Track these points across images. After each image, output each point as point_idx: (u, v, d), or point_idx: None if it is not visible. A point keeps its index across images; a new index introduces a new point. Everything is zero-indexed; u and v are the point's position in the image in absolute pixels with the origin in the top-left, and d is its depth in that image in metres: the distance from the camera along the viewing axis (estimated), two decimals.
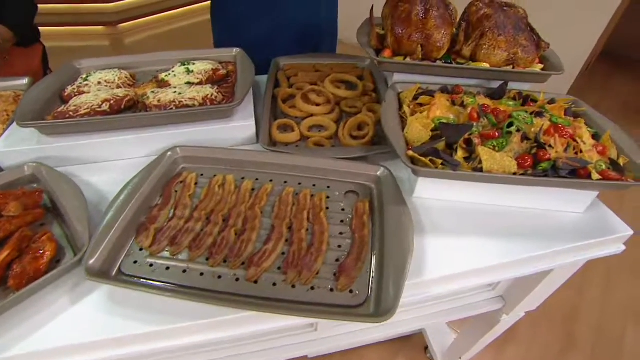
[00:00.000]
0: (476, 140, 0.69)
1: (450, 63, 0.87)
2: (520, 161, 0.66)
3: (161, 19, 3.64)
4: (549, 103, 0.84)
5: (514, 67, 0.87)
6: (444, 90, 0.86)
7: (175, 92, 0.81)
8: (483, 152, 0.65)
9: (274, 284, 0.56)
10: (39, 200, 0.66)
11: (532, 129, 0.72)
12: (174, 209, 0.67)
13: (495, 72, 0.85)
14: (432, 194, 0.72)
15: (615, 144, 0.73)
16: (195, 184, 0.73)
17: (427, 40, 0.84)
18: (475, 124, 0.73)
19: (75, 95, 0.82)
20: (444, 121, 0.73)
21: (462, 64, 0.87)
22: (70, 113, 0.75)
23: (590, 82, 3.05)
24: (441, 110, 0.76)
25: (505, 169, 0.64)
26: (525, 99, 0.84)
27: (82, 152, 0.76)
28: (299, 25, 1.24)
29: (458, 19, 0.90)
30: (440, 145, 0.69)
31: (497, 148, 0.68)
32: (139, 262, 0.59)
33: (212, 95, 0.81)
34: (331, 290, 0.56)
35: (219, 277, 0.57)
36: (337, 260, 0.60)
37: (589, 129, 0.78)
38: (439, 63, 0.88)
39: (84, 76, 0.87)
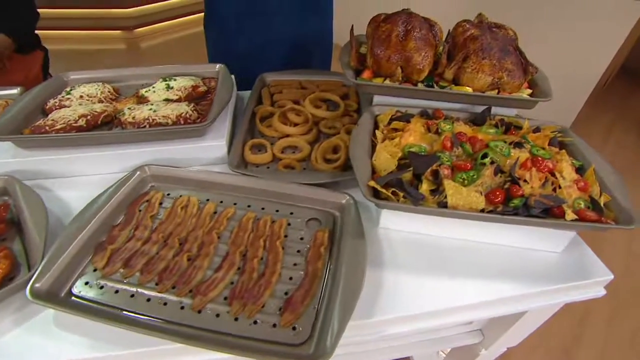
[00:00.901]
0: (446, 172, 0.66)
1: (432, 86, 0.84)
2: (491, 196, 0.63)
3: (176, 24, 3.73)
4: (534, 131, 0.80)
5: (499, 92, 0.83)
6: (424, 114, 0.83)
7: (150, 109, 0.81)
8: (449, 185, 0.62)
9: (217, 315, 0.55)
10: (4, 214, 0.67)
11: (508, 161, 0.68)
12: (134, 230, 0.67)
13: (477, 97, 0.81)
14: (398, 225, 0.69)
15: (600, 180, 0.69)
16: (160, 203, 0.73)
17: (406, 62, 0.81)
18: (448, 153, 0.70)
19: (57, 109, 0.84)
20: (414, 150, 0.70)
21: (444, 87, 0.84)
22: (47, 127, 0.77)
23: (606, 100, 2.91)
24: (414, 137, 0.74)
25: (471, 205, 0.61)
26: (508, 127, 0.80)
27: (56, 167, 0.77)
28: (291, 37, 1.23)
29: (443, 40, 0.87)
30: (407, 175, 0.66)
31: (466, 181, 0.64)
32: (90, 283, 0.59)
33: (186, 114, 0.81)
34: (274, 326, 0.54)
35: (165, 304, 0.57)
36: (286, 293, 0.58)
37: (574, 161, 0.73)
38: (420, 86, 0.85)
39: (68, 89, 0.89)
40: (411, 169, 0.66)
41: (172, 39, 3.54)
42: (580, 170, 0.73)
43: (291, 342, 0.52)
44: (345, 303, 0.53)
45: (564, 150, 0.74)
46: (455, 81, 0.85)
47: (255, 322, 0.54)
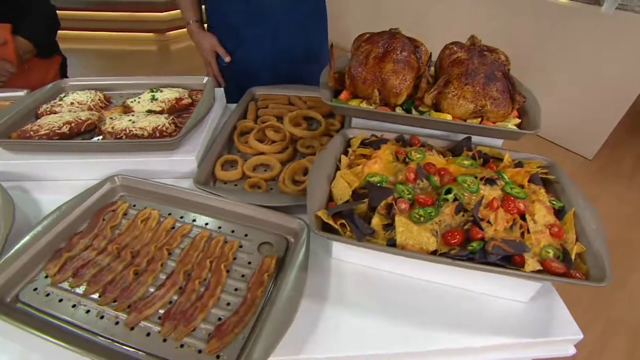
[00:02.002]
0: (403, 206, 0.62)
1: (410, 111, 0.81)
2: (448, 237, 0.58)
3: None
4: (516, 165, 0.74)
5: (482, 121, 0.78)
6: (400, 140, 0.80)
7: (130, 120, 0.84)
8: (399, 222, 0.58)
9: (148, 334, 0.55)
10: None
11: (474, 199, 0.64)
12: (93, 239, 0.69)
13: (456, 125, 0.77)
14: (349, 257, 0.66)
15: (579, 227, 0.63)
16: (125, 214, 0.74)
17: (383, 85, 0.78)
18: (411, 185, 0.67)
19: (47, 114, 0.89)
20: (375, 179, 0.67)
21: (423, 112, 0.80)
22: (31, 132, 0.81)
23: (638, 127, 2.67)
24: (380, 165, 0.71)
25: (421, 245, 0.57)
26: (486, 159, 0.75)
27: (36, 170, 0.81)
28: (292, 48, 1.24)
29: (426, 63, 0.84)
30: (362, 207, 0.64)
31: (423, 218, 0.61)
32: (38, 290, 0.61)
33: (163, 126, 0.83)
34: (199, 352, 0.53)
35: (102, 317, 0.58)
36: (220, 319, 0.57)
37: (555, 202, 0.67)
38: (398, 110, 0.82)
39: (62, 95, 0.94)
40: (366, 200, 0.63)
41: None
42: (560, 212, 0.67)
43: None
44: (271, 337, 0.52)
45: (542, 190, 0.68)
46: (437, 107, 0.81)
47: (182, 346, 0.54)
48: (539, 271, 0.55)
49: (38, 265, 0.64)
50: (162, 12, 3.51)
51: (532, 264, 0.55)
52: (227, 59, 1.22)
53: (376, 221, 0.60)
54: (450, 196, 0.64)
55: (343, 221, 0.61)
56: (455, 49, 0.83)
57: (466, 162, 0.72)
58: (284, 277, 0.60)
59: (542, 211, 0.63)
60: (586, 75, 2.43)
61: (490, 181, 0.67)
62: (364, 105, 0.81)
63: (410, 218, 0.61)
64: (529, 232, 0.60)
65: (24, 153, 0.81)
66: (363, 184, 0.67)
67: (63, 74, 1.40)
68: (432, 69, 0.91)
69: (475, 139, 0.80)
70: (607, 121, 2.41)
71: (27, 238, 0.65)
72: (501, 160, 0.76)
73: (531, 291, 0.61)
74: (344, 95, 0.84)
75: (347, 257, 0.66)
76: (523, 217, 0.62)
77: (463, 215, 0.62)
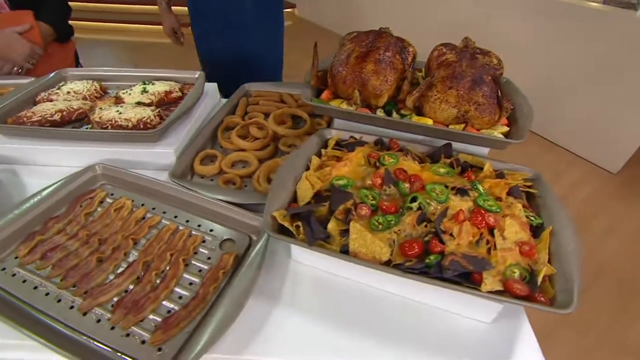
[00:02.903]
0: (364, 211, 0.61)
1: (391, 114, 0.78)
2: (405, 248, 0.56)
3: None
4: (498, 176, 0.70)
5: (465, 127, 0.75)
6: (378, 143, 0.78)
7: (117, 111, 0.86)
8: (354, 229, 0.56)
9: (98, 321, 0.57)
10: None
11: (440, 209, 0.61)
12: (67, 224, 0.72)
13: (435, 130, 0.74)
14: (308, 260, 0.65)
15: (555, 247, 0.59)
16: (101, 202, 0.77)
17: (363, 86, 0.76)
18: (378, 191, 0.65)
19: (44, 101, 0.93)
20: (341, 183, 0.65)
21: (404, 115, 0.78)
22: (25, 119, 0.85)
23: None
24: (350, 168, 0.69)
25: (374, 254, 0.55)
26: (465, 168, 0.71)
27: (26, 155, 0.85)
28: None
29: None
30: (323, 210, 0.62)
31: (381, 226, 0.58)
32: (6, 270, 0.64)
33: (147, 118, 0.85)
34: (142, 342, 0.54)
35: (59, 300, 0.59)
36: (169, 312, 0.58)
37: (533, 217, 0.63)
38: (379, 113, 0.79)
39: (61, 84, 0.98)
40: (327, 204, 0.62)
41: None
42: (539, 229, 0.63)
43: None
44: (213, 334, 0.52)
45: (519, 204, 0.64)
46: (420, 110, 0.78)
47: (127, 335, 0.55)
48: (499, 292, 0.52)
49: (11, 246, 0.67)
50: (184, 6, 3.59)
51: (490, 283, 0.52)
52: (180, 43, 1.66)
53: (332, 226, 0.59)
54: (414, 205, 0.61)
55: (298, 223, 0.59)
56: (444, 50, 0.80)
57: (442, 170, 0.69)
58: (238, 274, 0.60)
59: (514, 227, 0.59)
60: (615, 85, 2.27)
61: (462, 191, 0.64)
62: (344, 105, 0.80)
63: (370, 225, 0.59)
64: (495, 248, 0.57)
65: (17, 138, 0.85)
66: (328, 187, 0.65)
67: (76, 60, 1.45)
68: (424, 70, 0.88)
69: (459, 146, 0.76)
70: (634, 134, 2.25)
71: (4, 219, 0.68)
72: (481, 168, 0.72)
73: (493, 312, 0.58)
74: (325, 94, 0.82)
75: (305, 260, 0.65)
76: (490, 233, 0.59)
77: (426, 226, 0.59)
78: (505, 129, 0.76)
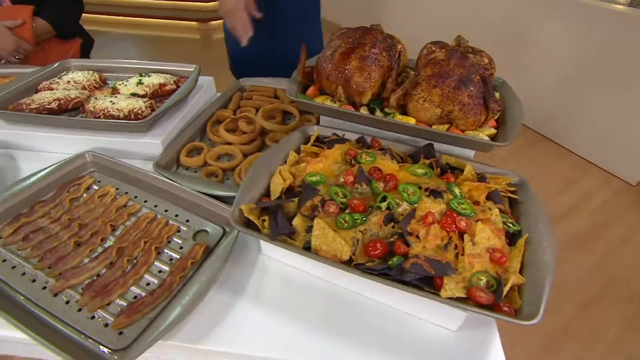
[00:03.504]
0: (332, 209, 0.60)
1: (374, 112, 0.77)
2: (369, 248, 0.55)
3: None
4: (480, 179, 0.68)
5: (449, 127, 0.72)
6: (361, 141, 0.76)
7: (111, 101, 0.88)
8: (317, 226, 0.56)
9: (67, 302, 0.58)
10: None
11: (408, 210, 0.59)
12: (53, 208, 0.74)
13: (416, 130, 0.72)
14: (276, 255, 0.65)
15: (529, 256, 0.56)
16: (88, 189, 0.79)
17: (346, 82, 0.75)
18: (349, 189, 0.64)
19: (45, 90, 0.96)
20: (314, 179, 0.65)
21: (388, 114, 0.76)
22: (24, 106, 0.89)
23: None
24: (325, 164, 0.68)
25: (335, 252, 0.55)
26: (444, 169, 0.69)
27: (24, 141, 0.88)
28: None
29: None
30: (292, 205, 0.62)
31: (347, 224, 0.58)
32: None
33: (139, 109, 0.87)
34: (106, 325, 0.55)
35: (33, 280, 0.62)
36: (136, 297, 0.59)
37: (511, 223, 0.61)
38: (363, 110, 0.78)
39: (63, 74, 1.02)
40: (296, 199, 0.61)
41: None
42: (516, 237, 0.60)
43: (109, 346, 0.53)
44: (172, 322, 0.53)
45: (496, 210, 0.61)
46: (404, 109, 0.76)
47: (92, 317, 0.56)
48: (463, 299, 0.50)
49: None
50: (206, 2, 3.67)
51: (450, 289, 0.50)
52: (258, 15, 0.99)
53: (298, 221, 0.59)
54: (383, 204, 0.60)
55: (264, 217, 0.59)
56: (433, 48, 0.78)
57: (419, 171, 0.68)
58: (206, 264, 0.60)
59: (486, 232, 0.57)
60: (637, 91, 2.15)
61: (435, 193, 0.62)
62: (329, 102, 0.79)
63: (336, 223, 0.58)
64: (463, 254, 0.55)
65: (15, 124, 0.89)
66: (301, 182, 0.65)
67: (85, 55, 1.50)
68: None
69: (444, 147, 0.74)
70: None
71: None
72: (461, 170, 0.70)
73: (458, 320, 0.56)
74: (310, 90, 0.82)
75: (274, 254, 0.65)
76: (460, 238, 0.57)
77: (393, 227, 0.58)
78: (493, 131, 0.74)
